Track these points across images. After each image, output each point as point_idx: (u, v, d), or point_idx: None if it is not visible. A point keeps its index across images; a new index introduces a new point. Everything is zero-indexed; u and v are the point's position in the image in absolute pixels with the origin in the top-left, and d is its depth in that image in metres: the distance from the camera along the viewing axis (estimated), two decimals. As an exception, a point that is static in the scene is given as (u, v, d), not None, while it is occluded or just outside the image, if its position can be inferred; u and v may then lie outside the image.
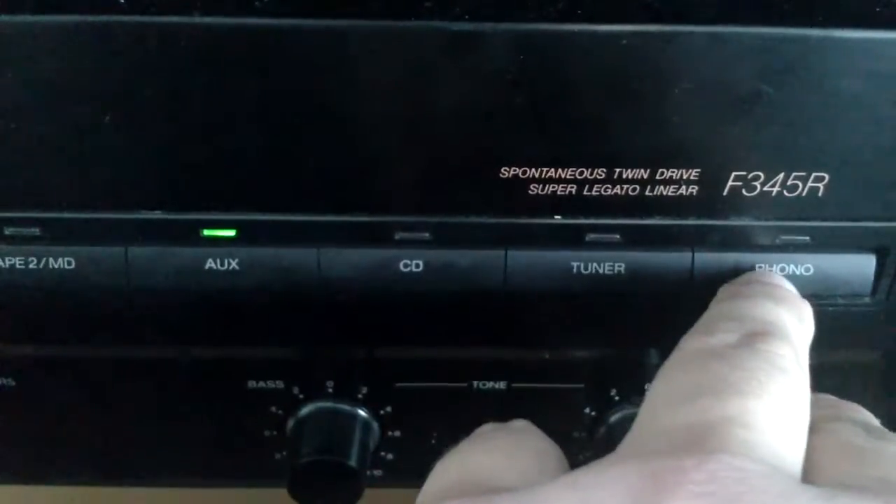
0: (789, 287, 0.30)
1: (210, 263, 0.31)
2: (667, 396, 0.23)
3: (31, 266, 0.31)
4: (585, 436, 0.37)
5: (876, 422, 0.26)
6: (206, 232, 0.31)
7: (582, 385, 0.36)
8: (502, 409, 0.36)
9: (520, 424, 0.26)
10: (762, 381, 0.22)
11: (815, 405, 0.24)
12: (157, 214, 0.31)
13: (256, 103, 0.29)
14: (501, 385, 0.36)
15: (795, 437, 0.22)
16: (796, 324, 0.27)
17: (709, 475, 0.19)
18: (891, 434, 0.24)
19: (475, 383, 0.36)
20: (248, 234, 0.31)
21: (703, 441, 0.20)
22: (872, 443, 0.23)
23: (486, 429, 0.26)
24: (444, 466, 0.24)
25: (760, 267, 0.32)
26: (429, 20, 0.27)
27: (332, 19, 0.27)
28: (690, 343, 0.25)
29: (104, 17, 0.27)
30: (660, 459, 0.19)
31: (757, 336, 0.25)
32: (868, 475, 0.21)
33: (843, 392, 0.36)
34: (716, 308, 0.28)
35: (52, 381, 0.36)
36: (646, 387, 0.35)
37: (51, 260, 0.31)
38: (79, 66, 0.28)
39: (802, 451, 0.22)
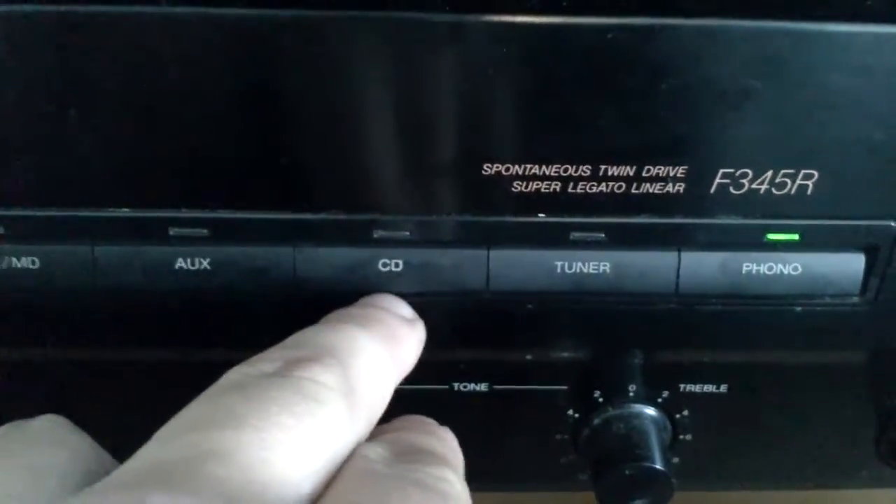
0: (401, 311, 0.29)
1: (180, 263, 0.30)
2: (170, 427, 0.21)
3: (-7, 266, 0.30)
4: (569, 438, 0.36)
5: (432, 447, 0.24)
6: (176, 230, 0.30)
7: (565, 387, 0.35)
8: (484, 412, 0.35)
9: (6, 431, 0.23)
10: (272, 411, 0.21)
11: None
12: (125, 212, 0.30)
13: (229, 98, 0.28)
14: (483, 387, 0.35)
15: (305, 466, 0.21)
16: (376, 351, 0.26)
17: None
18: (424, 462, 0.23)
19: (455, 385, 0.35)
20: (221, 233, 0.30)
21: (170, 477, 0.19)
22: (390, 470, 0.22)
23: None
24: None
25: (748, 266, 0.31)
26: (408, 11, 0.27)
27: (307, 10, 0.27)
28: (229, 375, 0.23)
29: (65, 8, 0.26)
30: (124, 493, 0.19)
31: (297, 364, 0.23)
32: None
33: (831, 392, 0.36)
34: (291, 336, 0.26)
35: (16, 384, 0.34)
36: (630, 388, 0.35)
37: (14, 259, 0.30)
38: (42, 60, 0.27)
39: (319, 480, 0.21)
